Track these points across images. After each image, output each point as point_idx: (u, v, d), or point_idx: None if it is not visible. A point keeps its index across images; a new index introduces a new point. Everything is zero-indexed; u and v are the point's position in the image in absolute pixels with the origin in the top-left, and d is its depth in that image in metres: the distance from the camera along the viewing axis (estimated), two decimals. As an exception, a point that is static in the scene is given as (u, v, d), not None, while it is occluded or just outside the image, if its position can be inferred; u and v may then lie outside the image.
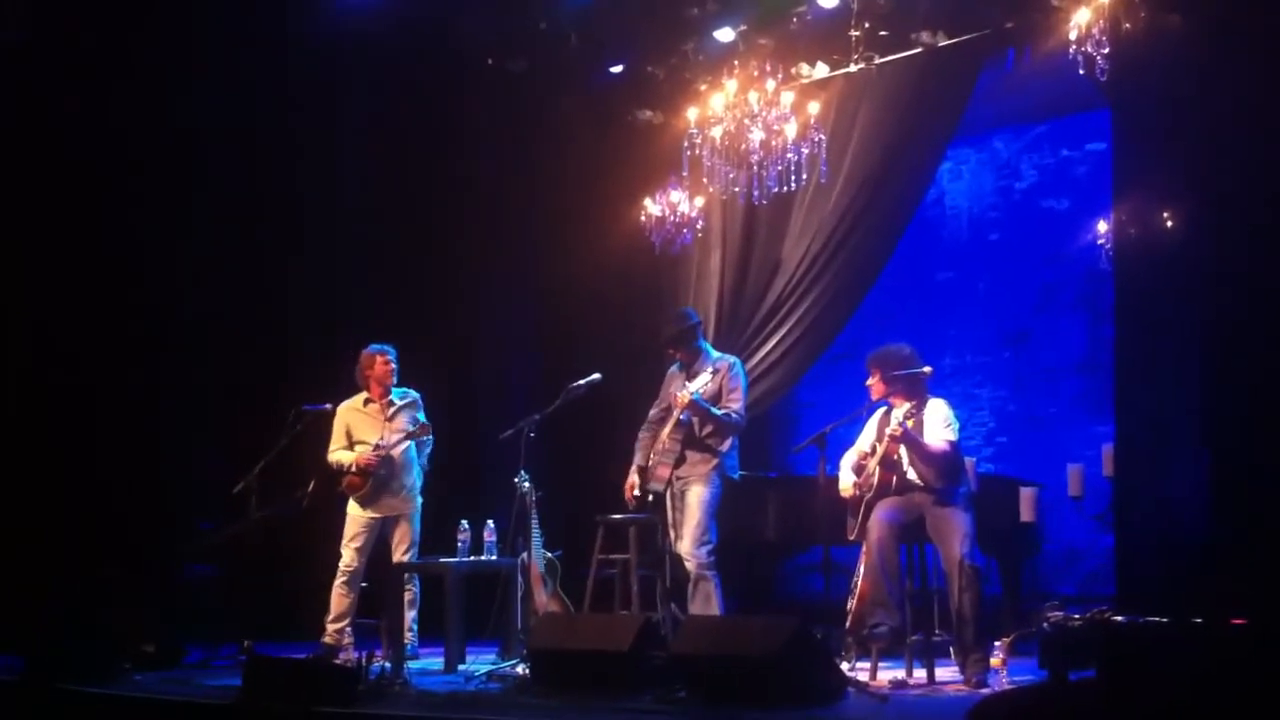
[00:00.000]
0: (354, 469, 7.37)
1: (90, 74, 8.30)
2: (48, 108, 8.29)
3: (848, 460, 6.47)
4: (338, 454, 7.48)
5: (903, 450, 6.13)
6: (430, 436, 7.45)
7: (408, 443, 7.40)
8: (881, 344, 6.53)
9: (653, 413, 7.17)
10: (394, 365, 7.55)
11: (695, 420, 6.86)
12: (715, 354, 7.12)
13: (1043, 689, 4.48)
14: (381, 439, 7.40)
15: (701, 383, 6.86)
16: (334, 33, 8.32)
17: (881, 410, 6.44)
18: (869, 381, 6.40)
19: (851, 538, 6.32)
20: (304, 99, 8.76)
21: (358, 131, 9.08)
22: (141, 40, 8.36)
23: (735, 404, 6.89)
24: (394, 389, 7.58)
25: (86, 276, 8.42)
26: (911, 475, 6.12)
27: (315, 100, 8.81)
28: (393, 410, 7.53)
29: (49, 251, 8.34)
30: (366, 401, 7.56)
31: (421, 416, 7.56)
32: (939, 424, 6.15)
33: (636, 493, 6.99)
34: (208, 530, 7.75)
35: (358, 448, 7.44)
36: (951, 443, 6.09)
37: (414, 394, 7.65)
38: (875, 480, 6.21)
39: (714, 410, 6.81)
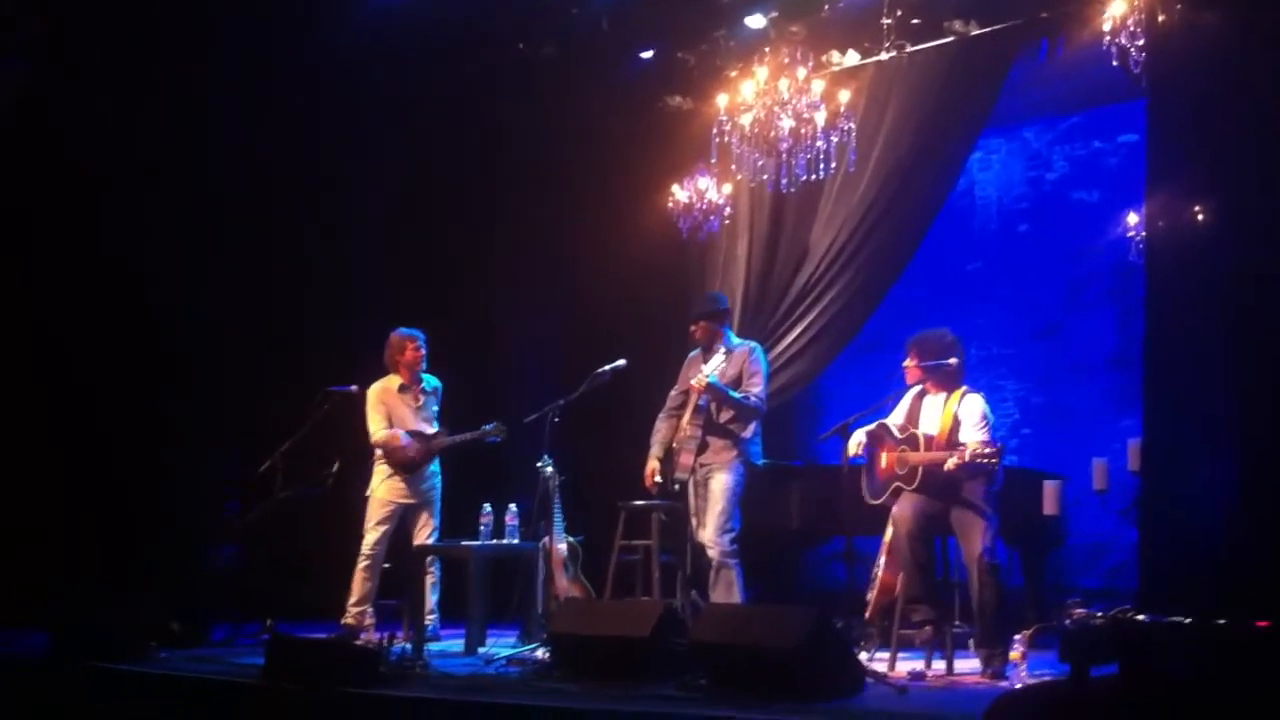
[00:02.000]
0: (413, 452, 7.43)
1: (109, 74, 8.34)
2: (66, 110, 8.34)
3: (866, 428, 6.43)
4: (384, 433, 7.48)
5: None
6: None
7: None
8: (913, 332, 6.50)
9: (671, 398, 7.18)
10: (424, 351, 7.59)
11: (714, 405, 6.86)
12: (736, 340, 7.12)
13: (1061, 686, 4.46)
14: (432, 431, 7.47)
15: (716, 365, 6.87)
16: (363, 20, 8.31)
17: (915, 391, 6.40)
18: (906, 363, 6.37)
19: (870, 501, 6.30)
20: (332, 87, 8.76)
21: (386, 118, 9.08)
22: (164, 41, 8.38)
23: (755, 388, 6.88)
24: (424, 375, 7.62)
25: (115, 265, 8.48)
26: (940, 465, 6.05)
27: (343, 87, 8.80)
28: (425, 397, 7.58)
29: (76, 239, 8.40)
30: (401, 387, 7.58)
31: (436, 408, 7.62)
32: (972, 425, 6.09)
33: (657, 479, 7.00)
34: (234, 511, 7.80)
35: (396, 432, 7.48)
36: (984, 443, 6.00)
37: (438, 382, 7.69)
38: (896, 465, 6.18)
39: (731, 393, 6.81)
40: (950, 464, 5.88)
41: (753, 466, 6.97)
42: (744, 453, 6.91)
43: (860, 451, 6.33)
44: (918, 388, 6.38)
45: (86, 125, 8.37)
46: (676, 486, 6.91)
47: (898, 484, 6.18)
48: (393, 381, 7.60)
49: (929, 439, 6.13)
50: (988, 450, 5.80)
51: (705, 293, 7.53)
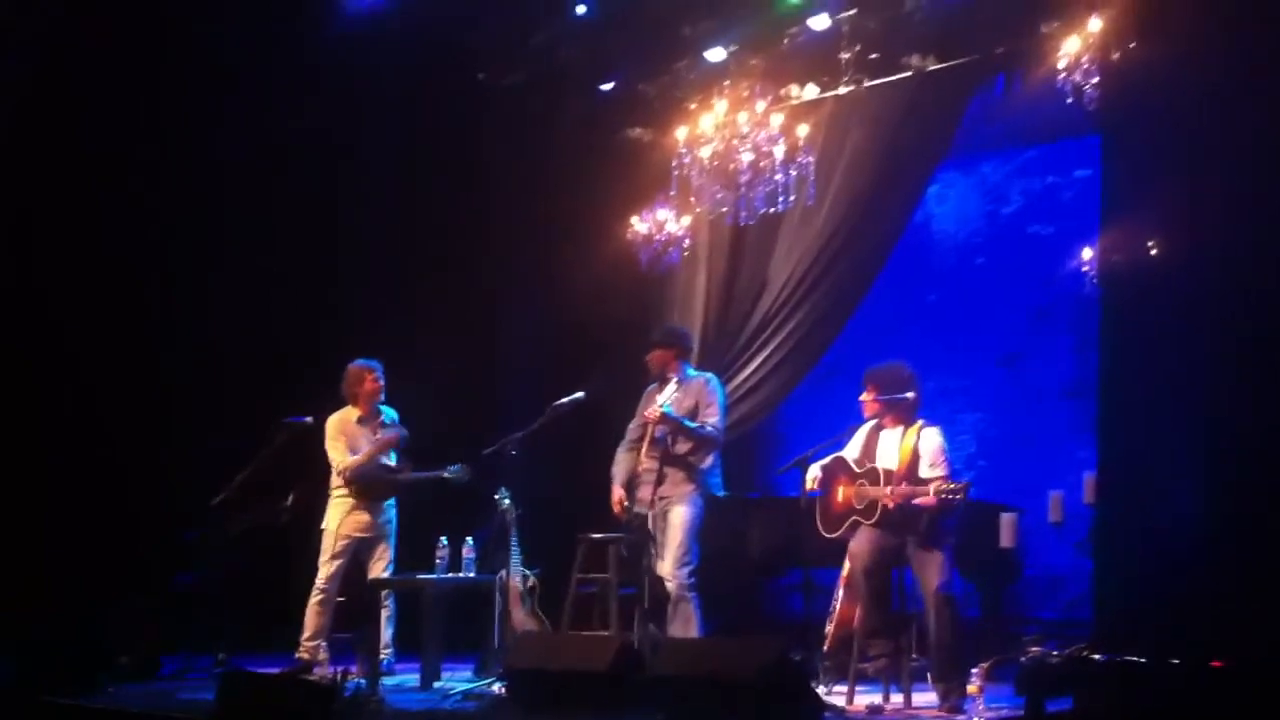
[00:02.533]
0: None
1: (111, 82, 8.31)
2: (70, 113, 8.30)
3: (822, 462, 6.43)
4: (351, 459, 7.39)
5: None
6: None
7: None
8: (871, 364, 6.51)
9: (630, 430, 7.16)
10: (382, 382, 7.52)
11: (670, 437, 6.85)
12: (693, 372, 7.13)
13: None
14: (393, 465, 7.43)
15: (670, 394, 6.86)
16: (346, 49, 8.33)
17: (871, 425, 6.41)
18: (863, 397, 6.38)
19: (825, 535, 6.29)
20: (311, 116, 8.73)
21: (363, 148, 9.05)
22: (164, 58, 8.38)
23: (712, 418, 6.88)
24: (382, 407, 7.56)
25: (79, 285, 8.38)
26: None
27: (319, 117, 8.78)
28: (383, 429, 7.51)
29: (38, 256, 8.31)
30: (360, 419, 7.52)
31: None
32: (930, 460, 6.09)
33: (626, 504, 6.97)
34: (190, 541, 7.70)
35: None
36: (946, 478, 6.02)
37: (395, 414, 7.63)
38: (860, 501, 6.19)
39: (686, 423, 6.80)
40: (922, 500, 5.87)
41: (712, 498, 6.95)
42: (702, 485, 6.90)
43: (816, 486, 6.33)
44: (874, 421, 6.39)
45: (80, 125, 8.30)
46: (636, 521, 6.89)
47: (856, 518, 6.18)
48: (351, 413, 7.53)
49: (888, 473, 6.14)
50: (954, 486, 5.81)
51: (668, 324, 7.50)
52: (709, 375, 7.13)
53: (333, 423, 7.48)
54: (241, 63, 8.44)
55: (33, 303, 8.32)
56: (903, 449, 6.17)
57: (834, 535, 6.29)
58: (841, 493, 6.29)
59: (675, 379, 6.99)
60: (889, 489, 6.01)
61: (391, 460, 7.53)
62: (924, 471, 6.05)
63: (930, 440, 6.16)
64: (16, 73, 8.15)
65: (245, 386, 8.50)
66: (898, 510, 5.99)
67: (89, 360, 8.36)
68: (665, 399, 6.86)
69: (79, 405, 8.37)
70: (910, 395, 6.26)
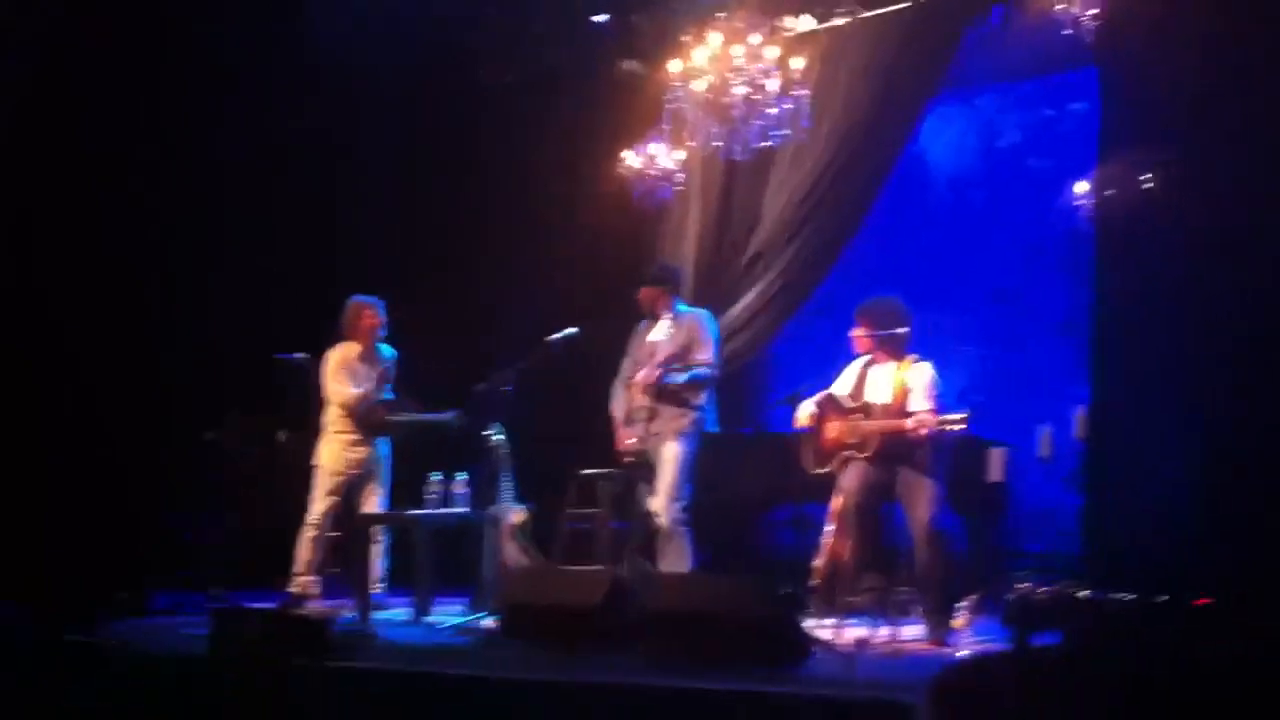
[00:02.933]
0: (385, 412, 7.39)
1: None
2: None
3: (814, 399, 6.44)
4: (355, 392, 7.38)
5: None
6: None
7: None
8: (865, 298, 6.49)
9: (624, 367, 7.14)
10: (382, 318, 7.49)
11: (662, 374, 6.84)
12: (685, 308, 7.10)
13: (1005, 657, 4.49)
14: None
15: (664, 331, 6.84)
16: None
17: (862, 360, 6.39)
18: (854, 333, 6.35)
19: (812, 471, 6.30)
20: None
21: (338, 87, 8.95)
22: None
23: (704, 355, 6.86)
24: (381, 345, 7.54)
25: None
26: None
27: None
28: (383, 366, 7.50)
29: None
30: (361, 355, 7.50)
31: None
32: (922, 393, 6.09)
33: (630, 442, 6.97)
34: (183, 477, 7.72)
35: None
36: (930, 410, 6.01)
37: (394, 352, 7.61)
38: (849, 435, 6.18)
39: (679, 379, 6.76)
40: (910, 425, 5.87)
41: (705, 433, 6.96)
42: (696, 419, 6.90)
43: (811, 422, 6.33)
44: (865, 357, 6.38)
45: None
46: (629, 458, 6.90)
47: (849, 453, 6.17)
48: (351, 348, 7.51)
49: (884, 407, 6.13)
50: (955, 416, 5.81)
51: (656, 261, 7.46)
52: (701, 311, 7.11)
53: (334, 357, 7.45)
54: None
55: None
56: (895, 384, 6.18)
57: (823, 471, 6.30)
58: (834, 428, 6.28)
59: (668, 315, 6.97)
60: (882, 422, 6.01)
61: (388, 395, 7.51)
62: (915, 406, 6.06)
63: (922, 375, 6.16)
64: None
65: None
66: (892, 443, 5.98)
67: (75, 319, 8.30)
68: (658, 335, 6.84)
69: (73, 351, 8.32)
70: (902, 330, 6.24)
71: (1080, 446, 6.70)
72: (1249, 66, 5.90)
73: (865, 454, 6.10)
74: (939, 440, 5.94)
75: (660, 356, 6.96)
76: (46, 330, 8.22)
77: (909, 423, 5.94)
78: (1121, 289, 6.28)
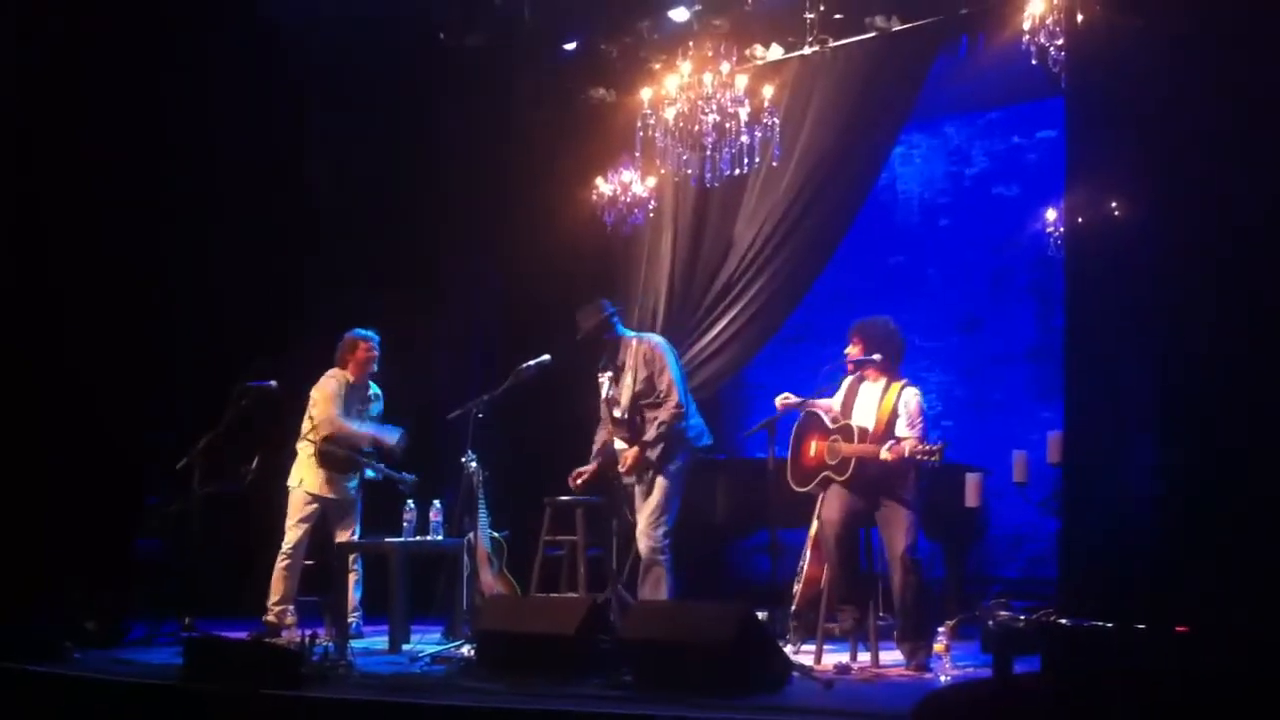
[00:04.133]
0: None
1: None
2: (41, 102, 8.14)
3: (799, 400, 6.40)
4: (349, 426, 7.38)
5: None
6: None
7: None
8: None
9: (602, 411, 7.16)
10: (376, 353, 7.50)
11: (635, 416, 6.90)
12: (631, 334, 7.10)
13: (987, 686, 4.50)
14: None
15: (629, 383, 6.86)
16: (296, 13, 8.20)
17: (852, 378, 6.37)
18: (850, 350, 6.33)
19: (796, 488, 6.31)
20: (258, 81, 8.60)
21: (315, 112, 8.94)
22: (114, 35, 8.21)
23: (666, 387, 6.86)
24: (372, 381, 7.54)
25: (44, 255, 8.25)
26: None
27: (269, 81, 8.65)
28: (370, 402, 7.50)
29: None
30: (351, 386, 7.48)
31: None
32: (908, 421, 6.09)
33: (578, 482, 6.99)
34: (153, 505, 7.66)
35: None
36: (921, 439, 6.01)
37: (379, 391, 7.62)
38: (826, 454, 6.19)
39: (658, 437, 6.80)
40: (885, 455, 5.89)
41: (696, 450, 6.97)
42: (680, 445, 6.91)
43: (787, 404, 6.30)
44: (854, 375, 6.38)
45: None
46: (627, 488, 6.97)
47: (827, 473, 6.18)
48: (344, 375, 7.50)
49: (863, 431, 6.14)
50: (930, 448, 5.83)
51: (586, 305, 7.29)
52: (655, 341, 7.09)
53: (330, 382, 7.44)
54: (189, 19, 8.29)
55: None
56: (883, 405, 6.16)
57: (804, 490, 6.30)
58: (814, 447, 6.29)
59: (625, 354, 6.96)
60: (859, 447, 6.02)
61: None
62: (900, 431, 6.06)
63: (910, 400, 6.15)
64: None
65: (212, 351, 8.42)
66: (869, 468, 5.99)
67: (39, 325, 8.22)
68: (619, 384, 6.87)
69: (36, 372, 8.23)
70: (898, 349, 6.25)
71: (1054, 471, 6.74)
72: (1213, 93, 5.97)
73: (842, 476, 6.10)
74: (918, 467, 5.96)
75: (625, 402, 6.97)
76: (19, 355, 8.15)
77: (883, 451, 5.95)
78: (1092, 313, 6.32)
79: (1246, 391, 5.48)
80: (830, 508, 6.17)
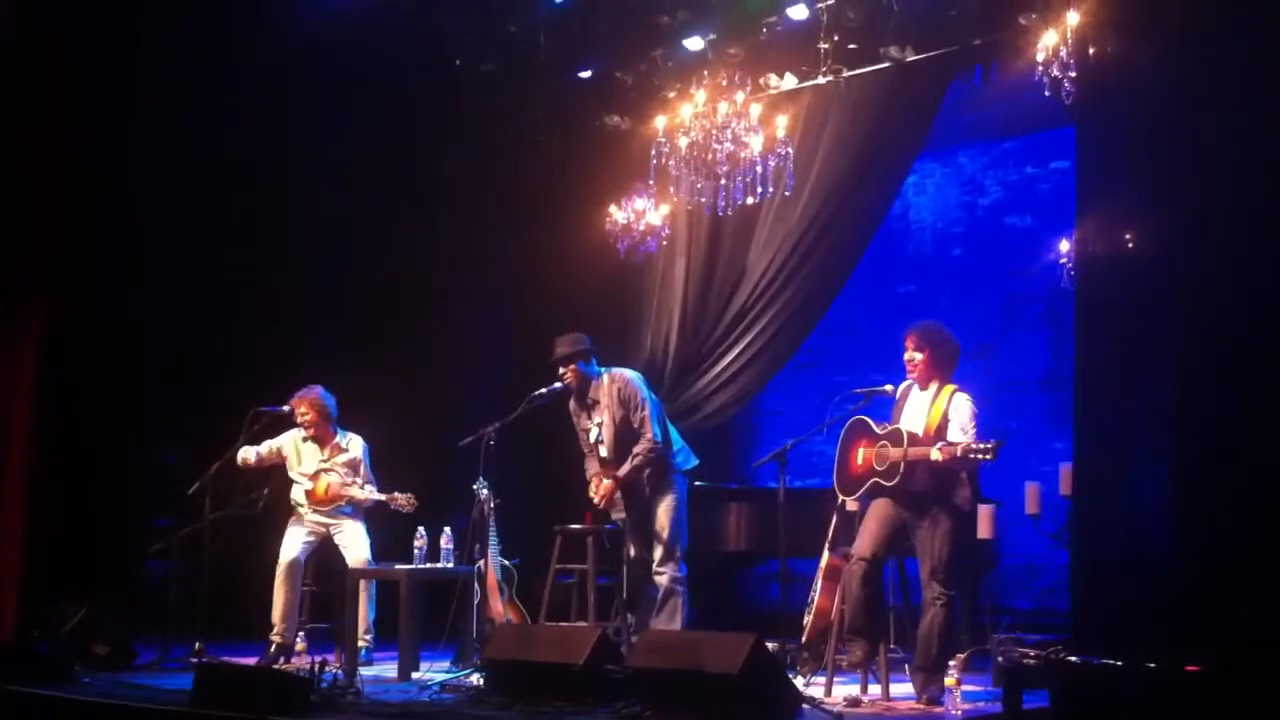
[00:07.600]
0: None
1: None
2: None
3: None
4: (301, 483, 7.44)
5: None
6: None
7: (350, 486, 7.44)
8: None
9: (583, 445, 7.18)
10: (310, 416, 7.44)
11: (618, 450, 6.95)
12: (598, 369, 7.12)
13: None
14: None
15: (604, 419, 6.89)
16: (305, 33, 8.23)
17: (905, 384, 6.23)
18: (911, 356, 6.15)
19: (843, 496, 6.19)
20: (271, 105, 8.63)
21: (327, 136, 8.94)
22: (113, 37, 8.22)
23: (641, 423, 6.90)
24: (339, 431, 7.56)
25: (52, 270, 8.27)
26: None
27: (282, 105, 8.68)
28: (338, 453, 7.51)
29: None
30: (305, 439, 7.53)
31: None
32: (960, 426, 5.96)
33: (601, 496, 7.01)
34: (164, 528, 7.66)
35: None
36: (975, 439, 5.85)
37: (349, 437, 7.60)
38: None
39: (633, 470, 6.85)
40: (936, 455, 5.74)
41: (686, 473, 6.99)
42: (670, 471, 6.92)
43: (858, 507, 6.19)
44: (907, 382, 6.26)
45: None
46: (620, 523, 6.99)
47: (876, 480, 6.00)
48: (299, 433, 7.54)
49: (913, 435, 5.94)
50: (984, 446, 5.65)
51: (567, 334, 7.26)
52: (623, 373, 7.11)
53: (286, 443, 7.54)
54: (206, 41, 8.33)
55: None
56: (933, 410, 6.03)
57: (851, 498, 6.16)
58: (861, 455, 6.11)
59: (597, 390, 6.99)
60: (909, 449, 5.84)
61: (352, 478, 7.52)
62: (953, 436, 5.91)
63: (962, 405, 6.02)
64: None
65: (223, 376, 8.42)
66: (918, 473, 5.84)
67: (60, 352, 8.24)
68: (601, 433, 6.96)
69: (50, 392, 8.24)
70: (951, 351, 6.15)
71: (1066, 503, 6.71)
72: (1225, 123, 5.97)
73: (890, 483, 5.92)
74: (972, 472, 5.81)
75: (609, 440, 7.02)
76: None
77: (934, 451, 5.78)
78: (1103, 344, 6.30)
79: (1260, 422, 5.45)
80: (864, 539, 6.01)
